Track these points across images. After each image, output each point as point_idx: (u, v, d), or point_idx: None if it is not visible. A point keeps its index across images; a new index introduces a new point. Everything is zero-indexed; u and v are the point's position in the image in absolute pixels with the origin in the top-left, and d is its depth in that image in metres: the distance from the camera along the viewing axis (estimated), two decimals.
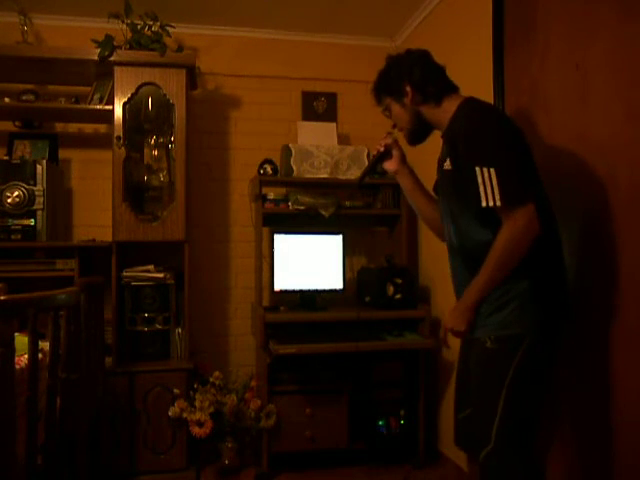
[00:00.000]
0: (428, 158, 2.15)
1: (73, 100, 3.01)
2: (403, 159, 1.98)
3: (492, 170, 1.54)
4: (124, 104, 2.83)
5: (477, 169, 1.56)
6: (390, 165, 1.98)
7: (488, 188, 1.55)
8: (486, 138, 1.60)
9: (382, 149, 1.96)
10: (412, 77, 1.78)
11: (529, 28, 2.17)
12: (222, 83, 3.43)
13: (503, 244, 1.57)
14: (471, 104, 1.74)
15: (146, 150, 3.08)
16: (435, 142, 1.91)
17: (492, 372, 1.65)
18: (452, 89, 1.81)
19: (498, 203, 1.54)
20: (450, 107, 1.75)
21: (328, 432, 2.89)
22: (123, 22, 2.87)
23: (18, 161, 2.90)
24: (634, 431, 1.69)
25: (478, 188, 1.56)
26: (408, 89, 1.78)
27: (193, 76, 3.05)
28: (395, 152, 1.96)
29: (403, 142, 1.97)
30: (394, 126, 1.93)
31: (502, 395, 1.60)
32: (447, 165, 1.72)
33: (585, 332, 1.88)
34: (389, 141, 1.96)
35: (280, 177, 3.12)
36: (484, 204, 1.56)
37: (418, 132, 1.86)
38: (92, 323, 2.20)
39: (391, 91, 1.83)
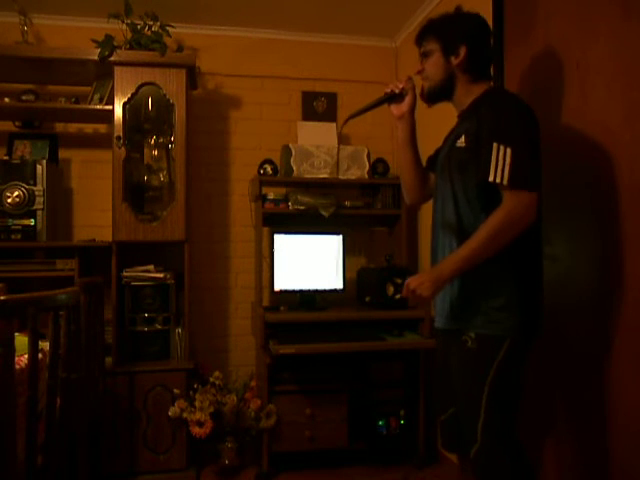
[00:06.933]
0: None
1: (73, 100, 3.01)
2: (413, 108, 1.91)
3: (509, 150, 1.54)
4: (124, 104, 2.83)
5: (495, 144, 1.56)
6: (399, 109, 1.91)
7: (500, 165, 1.54)
8: (511, 120, 1.60)
9: (397, 90, 1.88)
10: (474, 43, 1.74)
11: (529, 27, 2.17)
12: (222, 83, 3.43)
13: (497, 221, 1.55)
14: (501, 90, 1.78)
15: (146, 150, 3.08)
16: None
17: (473, 372, 1.65)
18: (489, 77, 1.81)
19: (505, 182, 1.54)
20: (477, 90, 1.75)
21: (328, 432, 2.88)
22: (123, 22, 2.87)
23: (18, 161, 2.90)
24: (631, 429, 1.69)
25: (489, 162, 1.56)
26: (462, 51, 1.73)
27: (193, 76, 3.05)
28: (408, 99, 1.88)
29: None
30: (419, 72, 1.84)
31: (484, 394, 1.61)
32: (461, 142, 1.69)
33: (583, 330, 1.88)
34: (408, 85, 1.88)
35: (280, 177, 3.12)
36: (491, 179, 1.55)
37: (439, 92, 1.81)
38: (92, 323, 2.20)
39: (445, 40, 1.75)
